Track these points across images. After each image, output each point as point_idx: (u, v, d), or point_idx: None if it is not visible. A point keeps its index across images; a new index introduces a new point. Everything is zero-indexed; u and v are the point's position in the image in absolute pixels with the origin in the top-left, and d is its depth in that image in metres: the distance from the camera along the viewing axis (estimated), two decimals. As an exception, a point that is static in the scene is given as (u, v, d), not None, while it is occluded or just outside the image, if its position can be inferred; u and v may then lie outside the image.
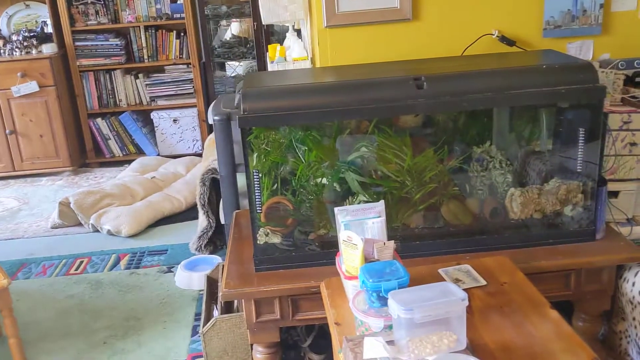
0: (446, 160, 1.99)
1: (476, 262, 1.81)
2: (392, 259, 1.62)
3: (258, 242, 1.92)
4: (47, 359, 2.40)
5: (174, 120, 4.77)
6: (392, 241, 1.62)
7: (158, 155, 4.80)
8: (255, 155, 1.91)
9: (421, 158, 1.94)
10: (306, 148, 1.92)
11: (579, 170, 1.96)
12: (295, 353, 2.18)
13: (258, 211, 1.89)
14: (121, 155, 4.87)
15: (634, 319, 1.99)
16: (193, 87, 4.76)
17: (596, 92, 1.85)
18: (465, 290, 1.67)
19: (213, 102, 2.85)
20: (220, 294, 1.86)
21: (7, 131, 4.52)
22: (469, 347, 1.41)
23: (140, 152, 4.87)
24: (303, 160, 1.92)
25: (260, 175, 1.86)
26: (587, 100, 1.90)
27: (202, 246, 3.12)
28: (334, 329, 1.56)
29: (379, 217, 1.67)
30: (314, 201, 1.95)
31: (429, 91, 1.80)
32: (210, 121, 2.60)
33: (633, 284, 1.95)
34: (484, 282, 1.68)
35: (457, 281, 1.71)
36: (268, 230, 1.92)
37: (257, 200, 1.87)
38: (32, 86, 4.46)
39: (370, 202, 1.91)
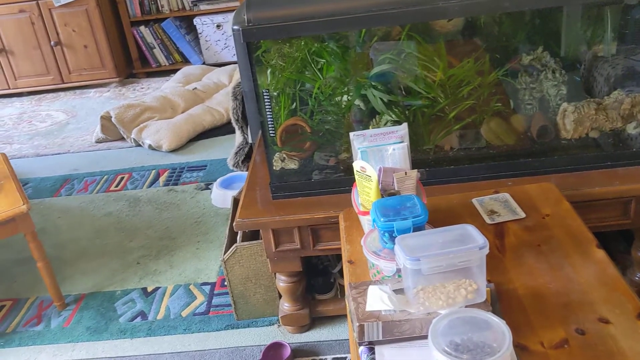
0: (488, 71, 1.72)
1: (518, 189, 1.60)
2: (415, 190, 1.44)
3: (274, 168, 1.76)
4: (81, 278, 2.40)
5: (218, 26, 4.55)
6: (415, 170, 1.42)
7: (203, 63, 4.64)
8: (269, 71, 1.72)
9: (457, 70, 1.68)
10: (324, 62, 1.70)
11: (647, 80, 1.66)
12: (325, 279, 2.07)
13: (272, 135, 1.72)
14: (167, 64, 4.74)
15: None
16: (236, -12, 4.49)
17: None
18: (500, 223, 1.48)
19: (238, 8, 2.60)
20: (233, 223, 1.74)
21: (52, 42, 4.46)
22: (494, 294, 1.24)
23: (186, 60, 4.72)
24: (321, 77, 1.71)
25: (269, 95, 1.66)
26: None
27: (240, 162, 3.00)
28: (346, 268, 1.41)
29: (402, 142, 1.46)
30: (334, 122, 1.75)
31: (465, -10, 1.51)
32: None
33: None
34: (522, 215, 1.48)
35: (492, 213, 1.51)
36: (284, 155, 1.75)
37: (269, 122, 1.69)
38: (71, -6, 4.32)
39: (398, 122, 1.70)
